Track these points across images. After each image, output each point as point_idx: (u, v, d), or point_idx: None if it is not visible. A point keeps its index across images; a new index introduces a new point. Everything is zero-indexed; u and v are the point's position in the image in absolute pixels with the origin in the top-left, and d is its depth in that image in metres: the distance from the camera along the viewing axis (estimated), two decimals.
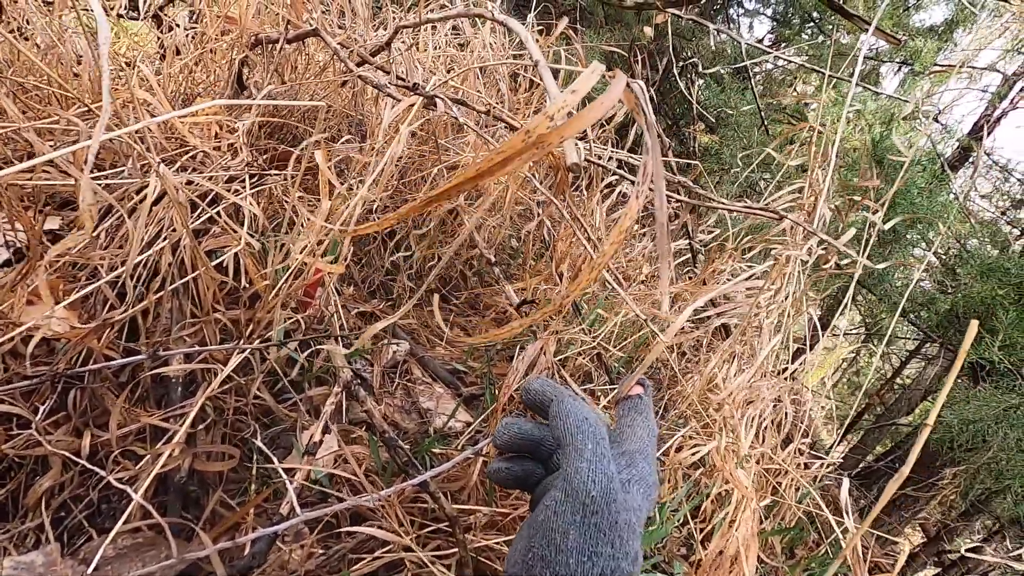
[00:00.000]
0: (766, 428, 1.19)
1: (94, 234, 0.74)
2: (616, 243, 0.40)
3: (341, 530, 0.69)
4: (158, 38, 1.42)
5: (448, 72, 1.26)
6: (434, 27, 1.32)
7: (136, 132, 0.89)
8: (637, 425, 0.40)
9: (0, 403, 0.55)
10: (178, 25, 1.51)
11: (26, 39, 0.97)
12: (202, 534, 0.55)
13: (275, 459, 0.63)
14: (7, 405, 0.56)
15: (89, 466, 0.58)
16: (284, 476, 0.60)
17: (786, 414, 1.26)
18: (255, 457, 0.74)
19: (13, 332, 0.58)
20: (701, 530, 0.99)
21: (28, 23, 0.97)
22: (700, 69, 2.46)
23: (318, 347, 0.85)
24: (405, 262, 1.23)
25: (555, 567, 0.30)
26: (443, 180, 1.21)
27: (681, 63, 2.36)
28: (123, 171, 0.80)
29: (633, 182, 0.68)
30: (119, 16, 1.37)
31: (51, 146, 0.75)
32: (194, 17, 1.60)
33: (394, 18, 1.32)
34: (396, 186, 1.17)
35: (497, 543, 0.75)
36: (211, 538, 0.56)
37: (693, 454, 0.99)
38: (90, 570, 0.50)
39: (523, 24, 1.05)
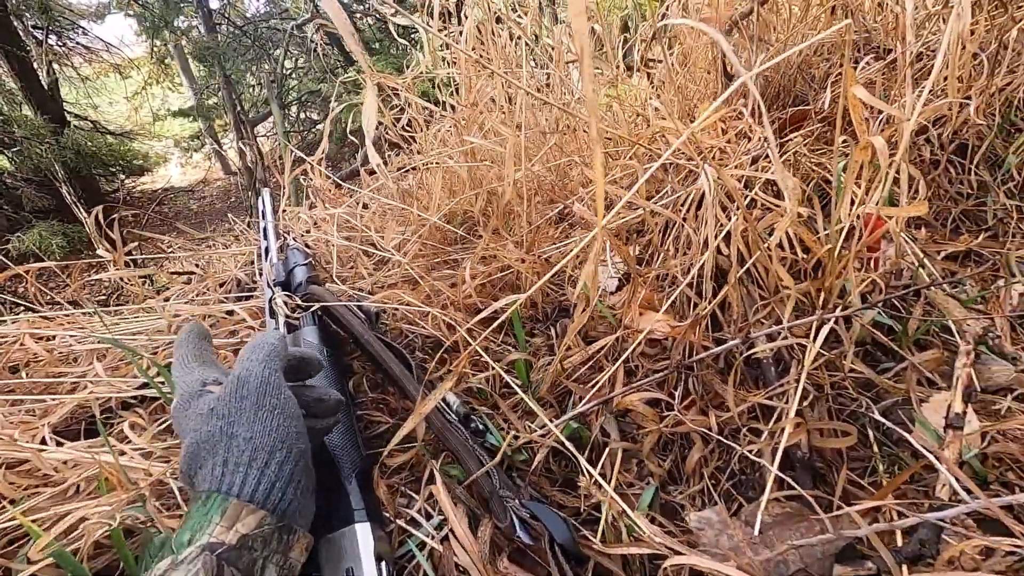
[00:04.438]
0: None
1: (663, 247, 0.89)
2: None
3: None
4: (650, 81, 1.62)
5: None
6: None
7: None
8: None
9: (648, 391, 0.71)
10: (658, 61, 1.70)
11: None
12: (852, 513, 0.52)
13: (910, 437, 0.55)
14: (652, 393, 0.72)
15: (724, 440, 0.66)
16: (930, 456, 0.51)
17: None
18: (871, 434, 0.68)
19: (639, 337, 0.74)
20: None
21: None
22: None
23: (913, 305, 0.72)
24: (993, 176, 0.91)
25: None
26: None
27: None
28: (667, 191, 0.93)
29: None
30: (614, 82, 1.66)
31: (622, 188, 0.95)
32: (670, 48, 1.77)
33: None
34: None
35: None
36: (863, 518, 0.53)
37: None
38: (756, 532, 0.56)
39: None
